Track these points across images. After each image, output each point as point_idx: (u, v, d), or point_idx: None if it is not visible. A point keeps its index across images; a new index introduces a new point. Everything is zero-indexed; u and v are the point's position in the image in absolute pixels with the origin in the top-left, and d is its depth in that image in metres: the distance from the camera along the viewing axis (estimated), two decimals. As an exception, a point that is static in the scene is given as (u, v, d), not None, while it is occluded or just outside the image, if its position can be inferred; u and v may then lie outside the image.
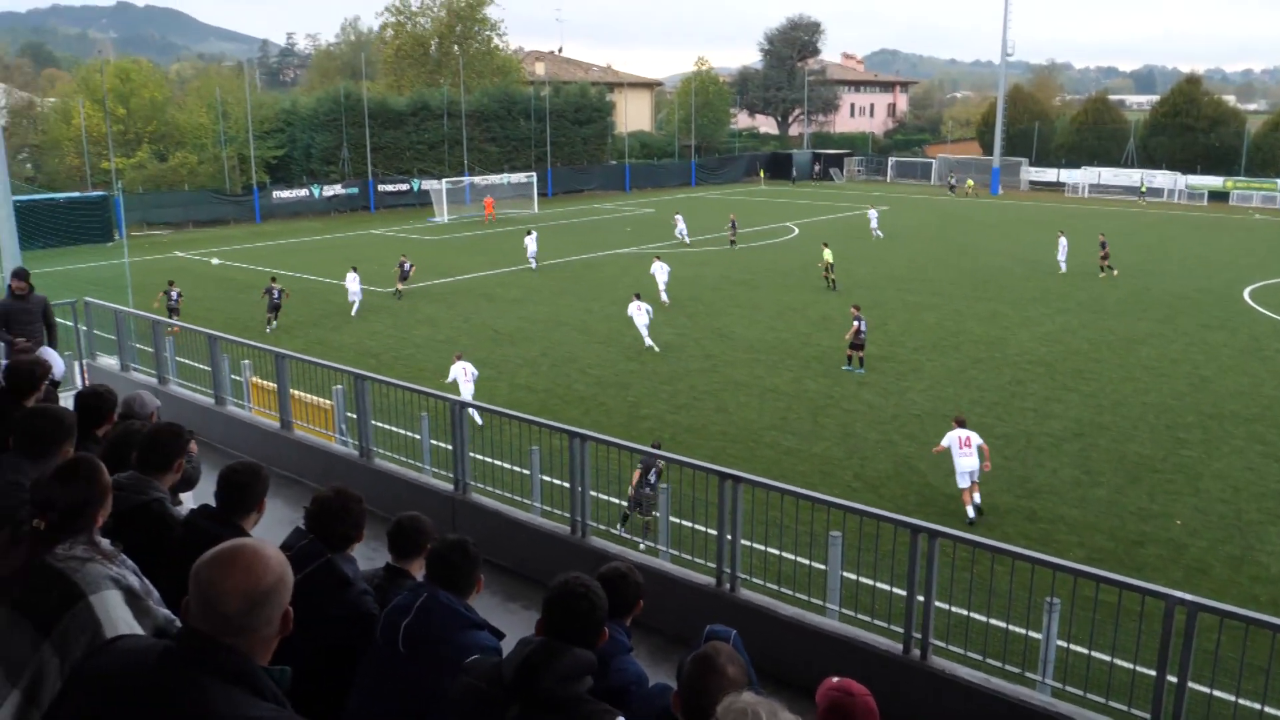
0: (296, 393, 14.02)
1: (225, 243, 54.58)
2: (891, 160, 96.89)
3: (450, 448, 11.39)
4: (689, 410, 23.87)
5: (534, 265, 43.36)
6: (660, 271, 37.64)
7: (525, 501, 11.27)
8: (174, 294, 32.45)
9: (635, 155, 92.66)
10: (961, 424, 18.63)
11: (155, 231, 59.94)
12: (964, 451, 18.01)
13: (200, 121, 66.76)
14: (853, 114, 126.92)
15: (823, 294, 37.89)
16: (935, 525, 7.89)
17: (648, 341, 29.80)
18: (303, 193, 67.33)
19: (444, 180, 67.26)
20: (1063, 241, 44.15)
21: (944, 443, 18.35)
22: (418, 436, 13.55)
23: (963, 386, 25.80)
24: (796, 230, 58.22)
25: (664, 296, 36.38)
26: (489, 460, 12.66)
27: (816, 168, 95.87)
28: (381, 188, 71.02)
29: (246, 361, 16.59)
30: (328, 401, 15.26)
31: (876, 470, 19.93)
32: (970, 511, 17.64)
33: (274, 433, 13.32)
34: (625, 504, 15.66)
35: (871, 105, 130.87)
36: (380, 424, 13.63)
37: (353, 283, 35.34)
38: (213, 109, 66.83)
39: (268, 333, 31.61)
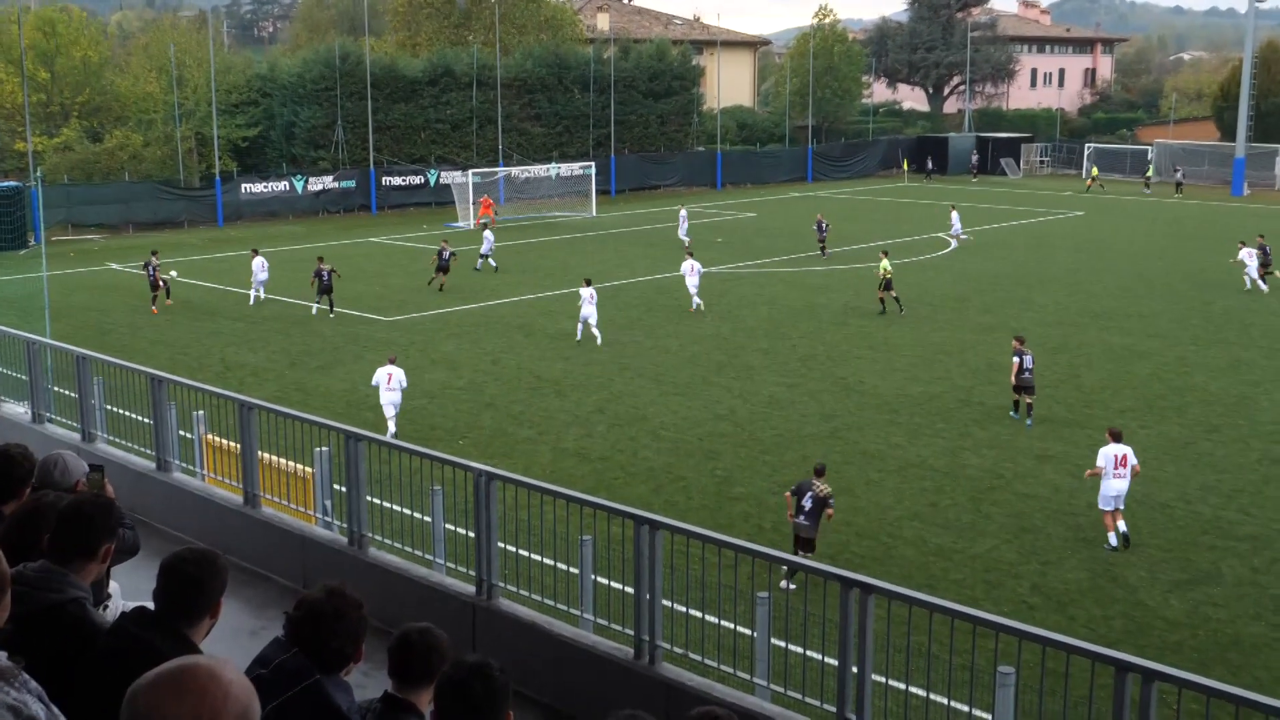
0: (266, 456, 14.20)
1: (176, 252, 55.90)
2: (1089, 147, 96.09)
3: (472, 535, 11.42)
4: (800, 490, 23.69)
5: (696, 302, 41.12)
6: (691, 273, 40.86)
7: (573, 612, 11.24)
8: (153, 264, 40.10)
9: (731, 140, 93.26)
10: (1117, 438, 21.25)
11: (84, 236, 61.78)
12: (1119, 473, 20.80)
13: (147, 90, 68.86)
14: (1034, 83, 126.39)
15: (987, 333, 37.53)
16: (1155, 664, 7.68)
17: (696, 301, 39.89)
18: (281, 186, 68.96)
19: (470, 172, 68.44)
20: (1246, 253, 45.84)
21: (1099, 463, 20.95)
22: (428, 518, 13.63)
23: (1189, 464, 25.24)
24: (954, 244, 57.82)
25: (696, 302, 40.79)
26: (523, 554, 12.69)
27: (975, 158, 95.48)
28: (387, 181, 72.45)
29: (200, 413, 16.88)
30: (308, 469, 15.44)
31: (1064, 581, 19.54)
32: (1113, 539, 20.69)
33: (235, 510, 13.50)
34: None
35: (1061, 71, 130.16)
36: (378, 500, 13.73)
37: (260, 269, 41.97)
38: (165, 73, 68.91)
39: (315, 314, 39.86)
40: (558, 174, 73.06)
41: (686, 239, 56.19)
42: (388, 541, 12.62)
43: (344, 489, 12.56)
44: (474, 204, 65.36)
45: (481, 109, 77.41)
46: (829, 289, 45.52)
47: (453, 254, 43.52)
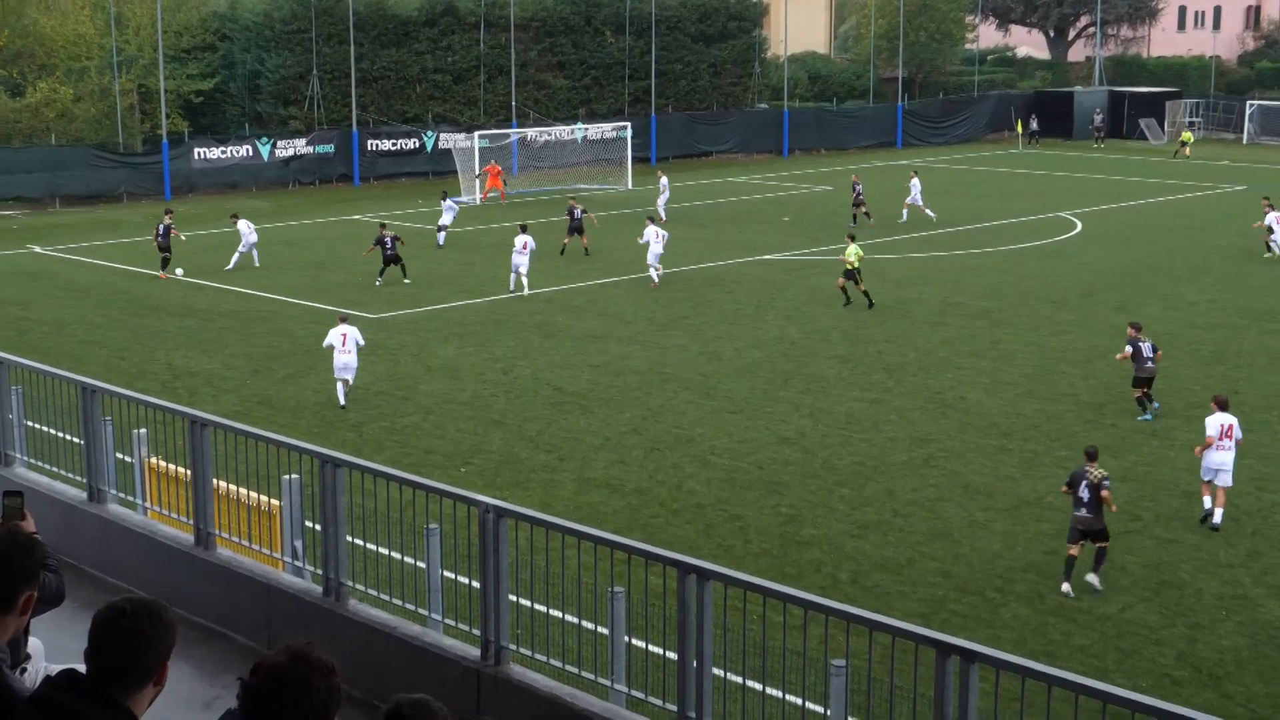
0: (223, 484, 14.28)
1: (112, 233, 56.38)
2: (1251, 106, 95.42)
3: (477, 585, 11.43)
4: (884, 533, 23.60)
5: (655, 275, 44.69)
6: (655, 239, 44.00)
7: (601, 682, 11.23)
8: (163, 226, 45.70)
9: (802, 96, 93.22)
10: (1223, 406, 24.12)
11: (0, 213, 62.33)
12: (1222, 444, 23.62)
13: (79, 32, 69.22)
14: (1182, 25, 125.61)
15: (1121, 337, 37.25)
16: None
17: (655, 270, 44.00)
18: (243, 152, 69.49)
19: (477, 134, 68.70)
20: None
21: (1210, 432, 23.75)
22: (421, 564, 13.65)
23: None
24: (1080, 226, 57.51)
25: (655, 273, 44.21)
26: (540, 609, 12.69)
27: (1099, 118, 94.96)
28: (374, 145, 72.87)
29: (141, 431, 16.94)
30: (274, 501, 15.48)
31: (1218, 649, 19.38)
32: (1211, 507, 23.60)
33: (185, 551, 13.57)
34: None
35: (1216, 9, 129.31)
36: (360, 541, 13.75)
37: (249, 231, 46.84)
38: (101, 11, 69.39)
39: (379, 285, 43.83)
40: (585, 137, 73.24)
41: (664, 212, 57.55)
42: (372, 592, 12.65)
43: (318, 526, 12.60)
44: (479, 174, 65.57)
45: (491, 56, 77.67)
46: (923, 281, 45.36)
47: (396, 238, 44.74)
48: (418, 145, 73.65)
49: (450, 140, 71.70)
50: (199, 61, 71.40)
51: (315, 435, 27.15)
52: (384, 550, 13.99)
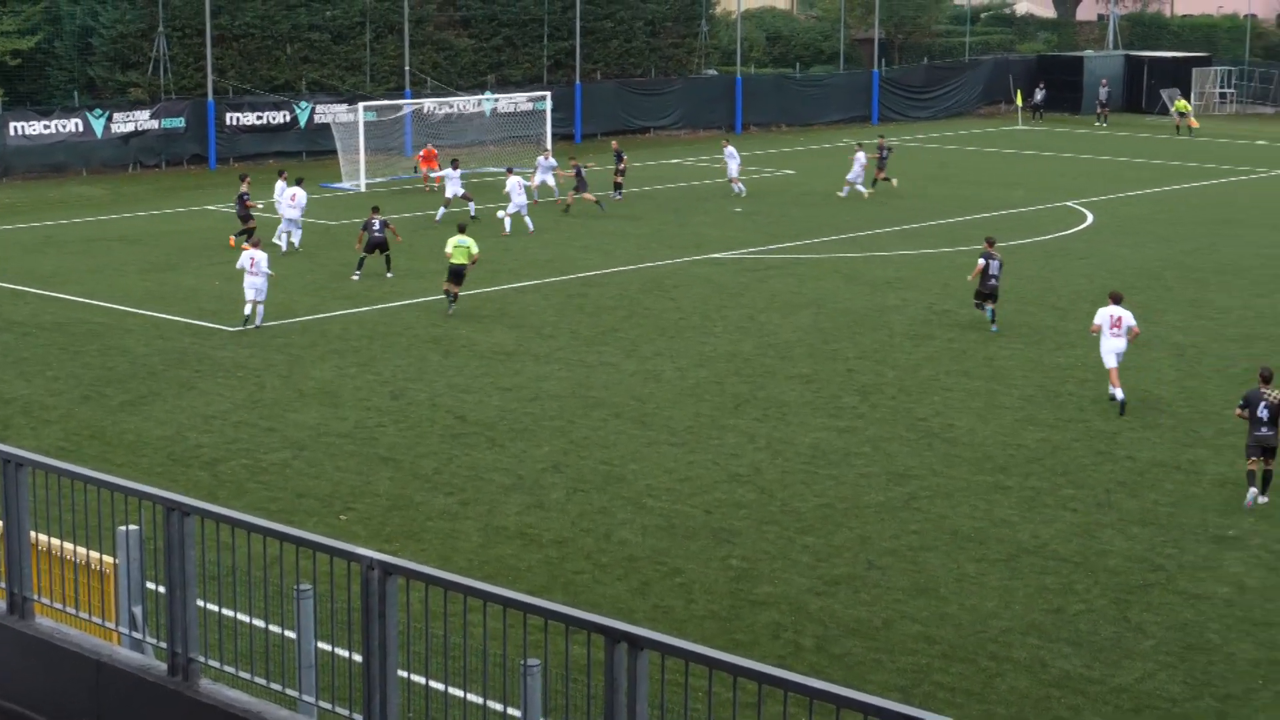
0: (44, 538, 14.14)
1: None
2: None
3: (359, 659, 11.35)
4: (855, 589, 23.64)
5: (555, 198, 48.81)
6: (518, 190, 53.26)
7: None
8: (244, 189, 50.21)
9: (758, 61, 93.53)
10: (1116, 300, 32.89)
11: None
12: (1114, 332, 32.31)
13: None
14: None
15: (1139, 351, 37.56)
16: None
17: (507, 228, 52.57)
18: (72, 126, 68.92)
19: (361, 106, 68.62)
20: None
21: (1097, 321, 32.70)
22: (291, 634, 13.55)
23: None
24: (1090, 218, 57.98)
25: (508, 223, 52.98)
26: (437, 687, 12.64)
27: (1105, 91, 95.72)
28: (234, 119, 72.62)
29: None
30: (107, 558, 15.36)
31: (1259, 728, 19.56)
32: (1117, 393, 32.25)
33: (-6, 621, 13.43)
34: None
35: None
36: (214, 606, 13.63)
37: (287, 200, 50.52)
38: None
39: (355, 279, 45.59)
40: (495, 109, 73.14)
41: (536, 197, 58.67)
42: (229, 669, 12.56)
43: (162, 589, 12.49)
44: (418, 157, 66.03)
45: (379, 11, 77.65)
46: (905, 284, 45.58)
47: (386, 223, 46.57)
48: (288, 119, 73.43)
49: (329, 113, 71.61)
50: (15, 15, 70.79)
51: (160, 476, 26.95)
52: (244, 617, 13.88)
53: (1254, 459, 26.72)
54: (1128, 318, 32.46)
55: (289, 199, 50.14)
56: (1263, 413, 26.34)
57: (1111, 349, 32.35)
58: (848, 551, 25.02)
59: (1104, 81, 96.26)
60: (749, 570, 24.37)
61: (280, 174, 52.98)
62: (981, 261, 39.11)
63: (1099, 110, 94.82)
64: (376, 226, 45.89)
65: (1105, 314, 32.55)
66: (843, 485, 28.26)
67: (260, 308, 39.43)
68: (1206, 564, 24.68)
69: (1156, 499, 27.55)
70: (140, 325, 40.03)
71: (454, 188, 56.26)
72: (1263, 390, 26.58)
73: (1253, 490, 26.56)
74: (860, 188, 61.93)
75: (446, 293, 41.05)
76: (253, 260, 39.02)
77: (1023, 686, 20.49)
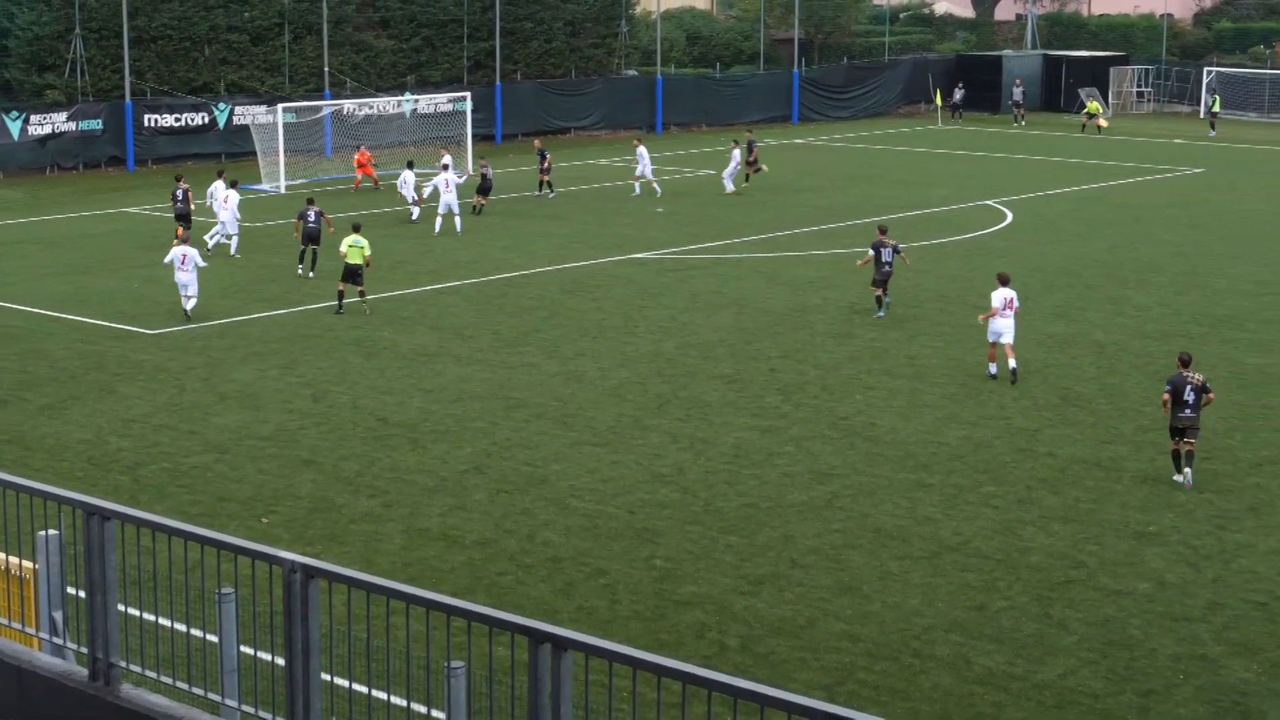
0: (-38, 543, 14.03)
1: None
2: (1208, 73, 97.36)
3: (281, 663, 11.31)
4: (779, 589, 23.66)
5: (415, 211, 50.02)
6: (445, 187, 53.56)
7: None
8: (180, 192, 50.30)
9: (678, 61, 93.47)
10: (1005, 282, 34.75)
11: None
12: (1006, 313, 34.25)
13: None
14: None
15: (1059, 349, 37.82)
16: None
17: (415, 214, 56.23)
18: (-14, 129, 68.32)
19: (280, 107, 68.26)
20: None
21: (995, 304, 34.23)
22: (213, 638, 13.49)
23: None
24: (1010, 216, 58.26)
25: (415, 212, 56.08)
26: (360, 690, 12.60)
27: (1019, 90, 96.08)
28: (152, 120, 72.12)
29: None
30: (27, 564, 15.27)
31: (1174, 718, 19.69)
32: (997, 368, 34.82)
33: (-87, 627, 13.32)
34: None
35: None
36: (135, 611, 13.58)
37: (223, 200, 49.63)
38: None
39: (300, 274, 46.53)
40: (415, 110, 72.91)
41: (417, 207, 57.55)
42: (151, 674, 12.50)
43: (83, 594, 12.42)
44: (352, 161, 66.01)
45: (298, 12, 77.25)
46: (826, 284, 45.71)
47: (321, 214, 46.44)
48: (207, 121, 72.95)
49: (248, 114, 71.12)
50: (-72, 17, 70.20)
51: (80, 481, 26.79)
52: (165, 622, 13.78)
53: (1177, 440, 27.88)
54: (1015, 298, 34.70)
55: (222, 200, 49.74)
56: (1189, 395, 27.53)
57: (1003, 328, 34.32)
58: (771, 551, 25.09)
59: (1018, 81, 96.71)
60: (673, 570, 24.40)
61: (219, 174, 52.84)
62: (871, 251, 41.22)
63: (1015, 110, 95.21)
64: (312, 218, 46.13)
65: (1000, 296, 34.33)
66: (766, 485, 28.34)
67: (192, 300, 40.25)
68: (1127, 560, 24.86)
69: (1077, 496, 27.73)
70: (59, 328, 39.75)
71: (410, 191, 56.24)
72: (1185, 374, 27.79)
73: (1187, 470, 27.72)
74: (729, 184, 63.26)
75: (340, 294, 41.07)
76: (184, 256, 39.78)
77: (946, 684, 20.59)
